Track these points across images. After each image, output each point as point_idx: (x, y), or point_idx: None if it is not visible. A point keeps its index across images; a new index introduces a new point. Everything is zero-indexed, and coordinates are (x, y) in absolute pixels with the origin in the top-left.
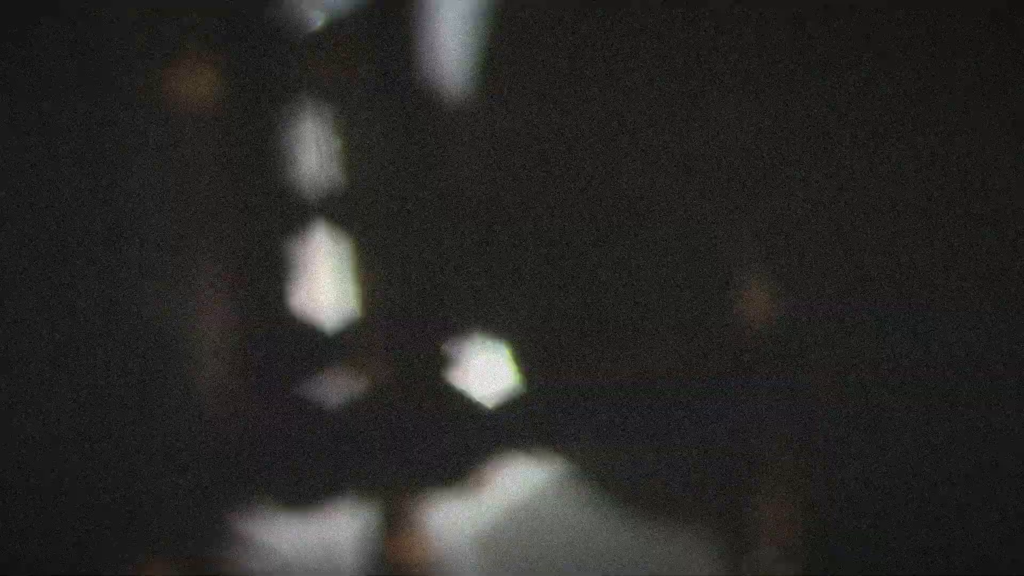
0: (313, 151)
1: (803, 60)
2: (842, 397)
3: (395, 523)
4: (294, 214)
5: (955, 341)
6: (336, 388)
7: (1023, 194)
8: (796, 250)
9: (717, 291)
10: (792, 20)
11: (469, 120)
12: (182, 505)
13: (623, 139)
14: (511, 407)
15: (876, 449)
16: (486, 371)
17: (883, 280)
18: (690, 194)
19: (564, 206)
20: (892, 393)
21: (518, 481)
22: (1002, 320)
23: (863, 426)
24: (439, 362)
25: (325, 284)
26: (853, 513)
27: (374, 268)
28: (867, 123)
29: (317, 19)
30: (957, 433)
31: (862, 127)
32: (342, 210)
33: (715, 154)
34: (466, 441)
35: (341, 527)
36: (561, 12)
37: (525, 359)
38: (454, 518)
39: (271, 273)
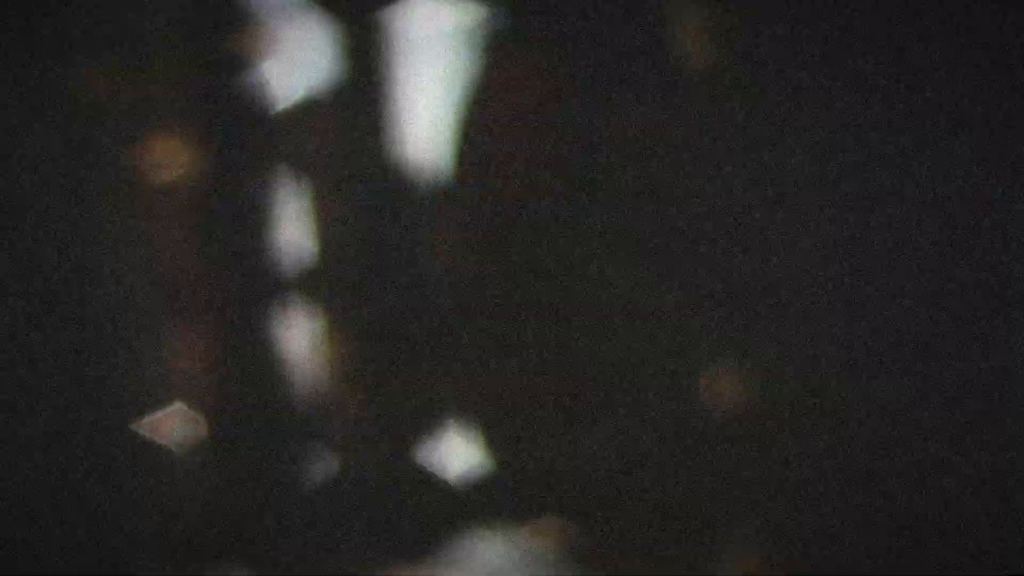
0: (287, 224)
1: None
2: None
3: None
4: (268, 288)
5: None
6: (310, 462)
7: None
8: (762, 331)
9: (685, 374)
10: (748, 108)
11: (441, 195)
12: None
13: (594, 217)
14: (480, 485)
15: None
16: (456, 448)
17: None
18: (656, 276)
19: (535, 284)
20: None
21: (486, 557)
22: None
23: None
24: (410, 439)
25: (298, 357)
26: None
27: (346, 343)
28: (827, 195)
29: (292, 94)
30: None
31: (821, 199)
32: (315, 284)
33: (683, 235)
34: (436, 517)
35: None
36: (534, 92)
37: (495, 437)
38: None
39: (246, 347)
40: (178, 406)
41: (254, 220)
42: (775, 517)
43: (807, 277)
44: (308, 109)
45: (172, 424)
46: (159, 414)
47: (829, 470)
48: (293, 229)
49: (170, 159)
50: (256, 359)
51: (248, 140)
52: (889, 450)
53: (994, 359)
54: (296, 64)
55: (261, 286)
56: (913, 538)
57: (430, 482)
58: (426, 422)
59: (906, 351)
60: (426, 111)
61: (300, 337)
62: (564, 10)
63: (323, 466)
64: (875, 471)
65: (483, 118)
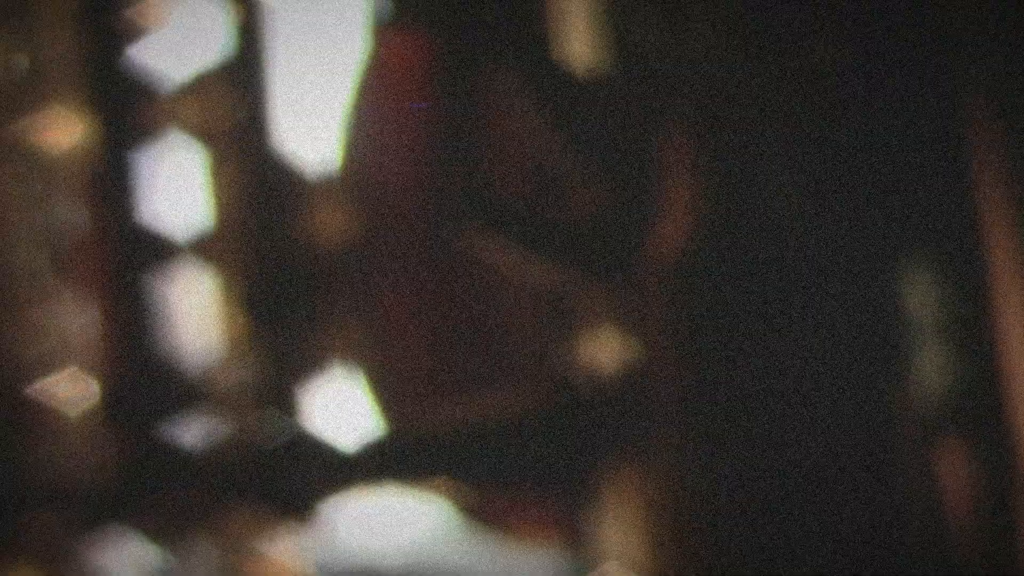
0: (178, 193)
1: None
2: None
3: (249, 557)
4: (159, 255)
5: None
6: (196, 427)
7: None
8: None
9: (565, 337)
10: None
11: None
12: (45, 535)
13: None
14: (369, 447)
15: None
16: (344, 410)
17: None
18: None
19: (421, 255)
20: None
21: (369, 516)
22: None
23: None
24: (298, 402)
25: (188, 323)
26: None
27: (236, 308)
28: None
29: (184, 67)
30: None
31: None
32: (206, 251)
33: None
34: (324, 480)
35: (197, 560)
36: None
37: (384, 401)
38: (305, 552)
39: (137, 313)
40: (71, 370)
41: (145, 189)
42: (657, 477)
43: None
44: (200, 82)
45: (65, 388)
46: (52, 378)
47: (710, 435)
48: (183, 198)
49: (62, 129)
50: (147, 324)
51: (140, 111)
52: (769, 412)
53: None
54: (188, 38)
55: (152, 253)
56: (792, 495)
57: (318, 445)
58: (315, 386)
59: (787, 313)
60: (312, 89)
61: (190, 303)
62: None
63: (212, 429)
64: (755, 434)
65: (367, 97)
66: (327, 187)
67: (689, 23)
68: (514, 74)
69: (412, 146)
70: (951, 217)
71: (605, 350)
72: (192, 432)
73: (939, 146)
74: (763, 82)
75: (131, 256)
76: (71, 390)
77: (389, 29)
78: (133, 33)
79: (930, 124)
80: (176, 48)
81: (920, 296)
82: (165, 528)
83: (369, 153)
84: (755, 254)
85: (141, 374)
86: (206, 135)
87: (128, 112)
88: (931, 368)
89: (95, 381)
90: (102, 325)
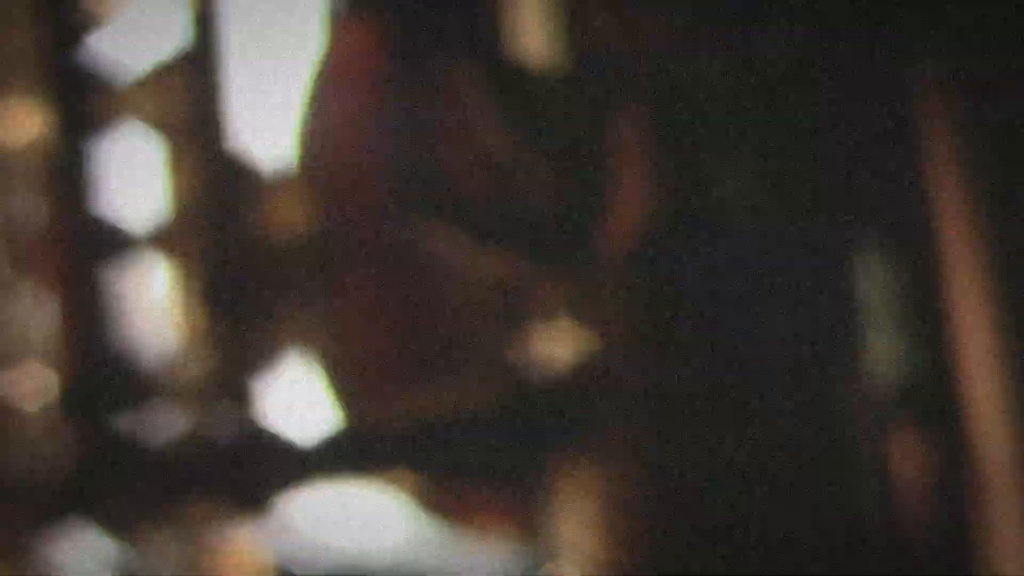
0: (136, 186)
1: None
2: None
3: (207, 550)
4: (117, 249)
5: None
6: (154, 420)
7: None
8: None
9: (520, 330)
10: None
11: (283, 162)
12: (3, 529)
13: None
14: (324, 438)
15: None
16: (301, 403)
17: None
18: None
19: (376, 248)
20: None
21: (326, 509)
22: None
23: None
24: (255, 395)
25: (146, 316)
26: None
27: (194, 301)
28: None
29: (140, 59)
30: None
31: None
32: (164, 245)
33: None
34: (278, 471)
35: (155, 553)
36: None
37: (341, 394)
38: (264, 545)
39: (96, 307)
40: (29, 364)
41: (102, 181)
42: (612, 470)
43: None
44: (157, 74)
45: (24, 382)
46: (10, 372)
47: (665, 427)
48: (141, 190)
49: (19, 121)
50: (105, 318)
51: (96, 102)
52: (724, 403)
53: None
54: (145, 29)
55: (110, 246)
56: (748, 486)
57: (275, 438)
58: (272, 379)
59: (741, 304)
60: (269, 81)
61: (148, 296)
62: None
63: (170, 422)
64: (711, 425)
65: (323, 90)
66: (284, 180)
67: (641, 15)
68: (467, 67)
69: (367, 139)
70: (903, 206)
71: (560, 342)
72: (150, 425)
73: (890, 135)
74: (715, 74)
75: (89, 249)
76: (29, 384)
77: (344, 22)
78: (89, 24)
79: (881, 114)
80: (133, 39)
81: (873, 284)
82: (123, 522)
83: (325, 146)
84: (709, 244)
85: (99, 368)
86: (163, 127)
87: (85, 104)
88: (885, 356)
89: (53, 375)
90: (60, 319)
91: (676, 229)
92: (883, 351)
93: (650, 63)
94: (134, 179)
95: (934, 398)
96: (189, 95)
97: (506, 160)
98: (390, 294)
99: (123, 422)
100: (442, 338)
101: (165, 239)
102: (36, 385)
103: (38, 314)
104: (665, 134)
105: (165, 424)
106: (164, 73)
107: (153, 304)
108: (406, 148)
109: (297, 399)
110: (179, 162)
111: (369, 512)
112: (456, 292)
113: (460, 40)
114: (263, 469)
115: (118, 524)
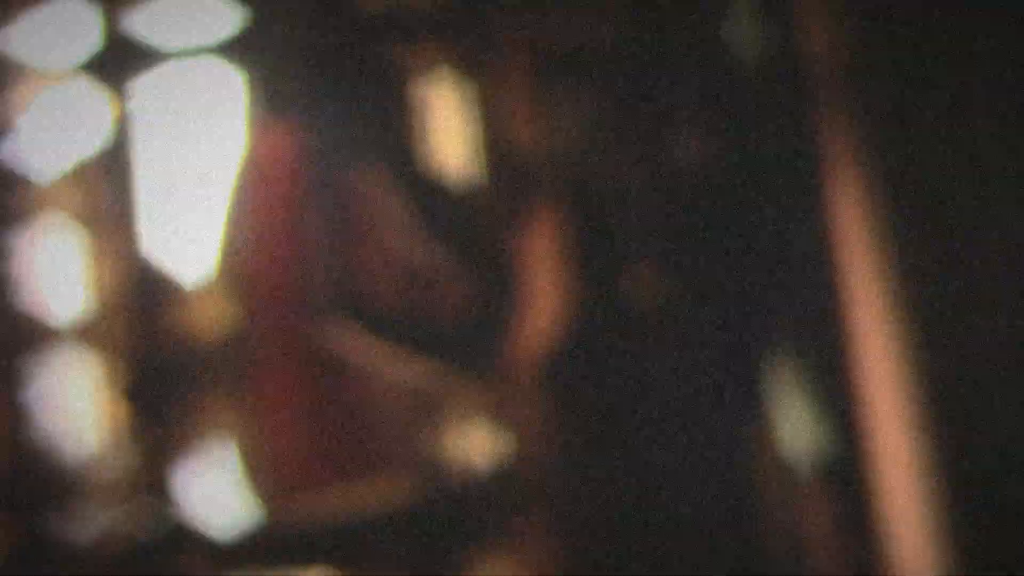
0: (57, 280)
1: None
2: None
3: None
4: (37, 343)
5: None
6: (76, 517)
7: None
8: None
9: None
10: None
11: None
12: None
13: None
14: (244, 534)
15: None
16: (221, 499)
17: None
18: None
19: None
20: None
21: None
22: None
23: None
24: (176, 491)
25: (67, 410)
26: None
27: (115, 396)
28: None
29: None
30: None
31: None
32: (84, 339)
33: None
34: (198, 566)
35: None
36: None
37: (259, 489)
38: None
39: (14, 401)
40: None
41: (22, 275)
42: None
43: None
44: (77, 171)
45: None
46: None
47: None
48: (63, 284)
49: None
50: (27, 415)
51: (16, 197)
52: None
53: None
54: (64, 127)
55: (30, 341)
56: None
57: (196, 534)
58: (192, 475)
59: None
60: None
61: (69, 390)
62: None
63: (91, 518)
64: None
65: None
66: (204, 280)
67: (554, 121)
68: (383, 174)
69: (285, 242)
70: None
71: (475, 443)
72: (72, 522)
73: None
74: (627, 173)
75: (9, 342)
76: None
77: (264, 127)
78: (6, 123)
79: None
80: (53, 138)
81: (782, 358)
82: None
83: (245, 247)
84: (622, 344)
85: (21, 465)
86: (83, 223)
87: (4, 199)
88: (795, 422)
89: None
90: None
91: (589, 331)
92: (793, 418)
93: (564, 171)
94: (56, 272)
95: (842, 461)
96: (108, 194)
97: (421, 266)
98: (309, 394)
99: (45, 519)
100: (360, 437)
101: (86, 333)
102: None
103: None
104: (579, 240)
105: (86, 521)
106: (85, 171)
107: (74, 398)
108: (323, 252)
109: (217, 495)
110: (99, 258)
111: None
112: (374, 393)
113: (376, 148)
114: (183, 564)
115: None
